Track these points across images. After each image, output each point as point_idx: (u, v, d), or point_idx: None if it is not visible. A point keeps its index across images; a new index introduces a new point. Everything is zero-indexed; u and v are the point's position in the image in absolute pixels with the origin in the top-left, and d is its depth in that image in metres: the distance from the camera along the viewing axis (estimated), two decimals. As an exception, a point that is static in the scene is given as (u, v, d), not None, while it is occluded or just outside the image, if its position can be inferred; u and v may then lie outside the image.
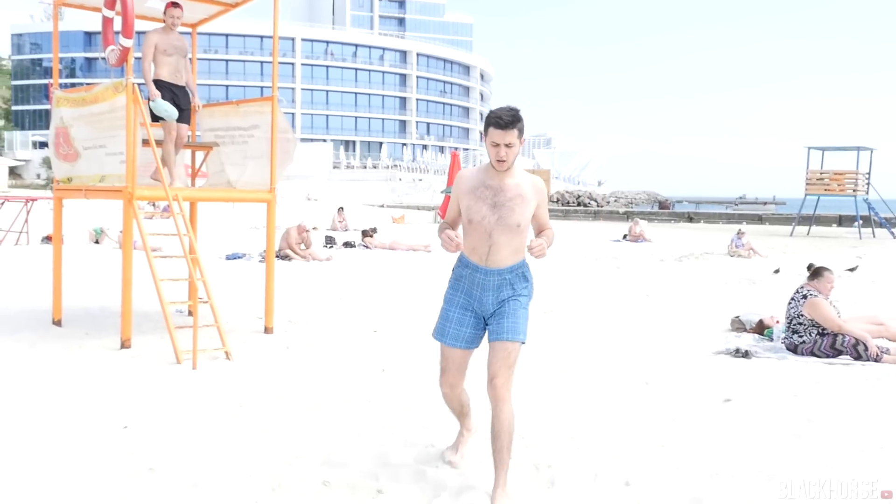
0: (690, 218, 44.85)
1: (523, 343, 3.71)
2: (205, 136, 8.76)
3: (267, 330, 7.91)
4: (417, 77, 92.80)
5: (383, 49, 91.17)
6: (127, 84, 6.88)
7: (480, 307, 3.80)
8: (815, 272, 7.25)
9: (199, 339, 6.58)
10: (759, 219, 43.14)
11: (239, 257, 15.01)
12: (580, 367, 6.58)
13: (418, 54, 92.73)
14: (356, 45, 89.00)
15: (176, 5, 7.58)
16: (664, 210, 54.92)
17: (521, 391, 5.67)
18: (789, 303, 7.27)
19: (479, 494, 3.73)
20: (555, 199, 63.62)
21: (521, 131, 3.60)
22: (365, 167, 71.83)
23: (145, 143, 7.13)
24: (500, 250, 3.70)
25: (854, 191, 30.05)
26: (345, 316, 9.09)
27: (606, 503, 3.67)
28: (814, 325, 7.02)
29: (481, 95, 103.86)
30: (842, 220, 38.69)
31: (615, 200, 76.94)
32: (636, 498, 3.73)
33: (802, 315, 7.07)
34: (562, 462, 4.22)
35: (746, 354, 7.01)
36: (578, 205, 61.70)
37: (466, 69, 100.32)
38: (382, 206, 48.31)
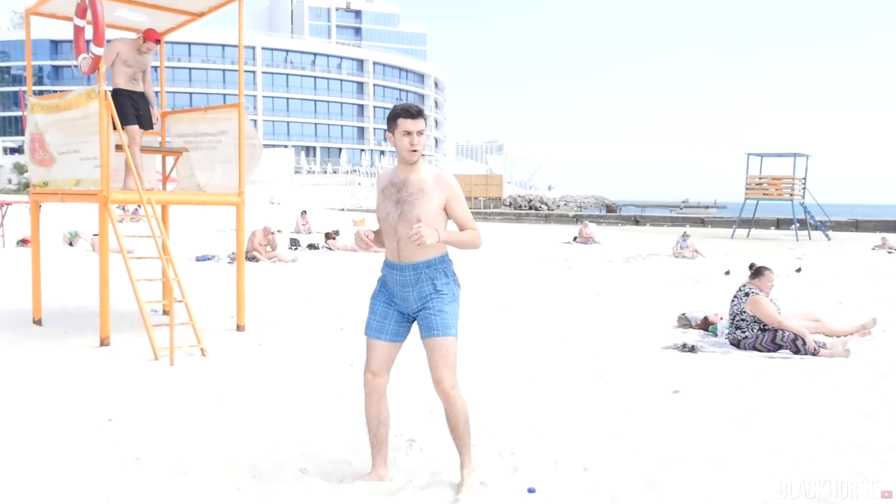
0: (637, 221, 45.90)
1: (456, 336, 3.77)
2: (174, 141, 8.95)
3: (239, 328, 8.15)
4: (374, 85, 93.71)
5: (341, 58, 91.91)
6: (99, 91, 7.07)
7: (404, 305, 3.82)
8: (757, 271, 7.72)
9: (175, 336, 6.81)
10: (702, 222, 44.27)
11: (208, 259, 15.18)
12: (537, 361, 6.94)
13: (374, 63, 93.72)
14: (315, 54, 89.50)
15: (157, 42, 7.96)
16: (611, 213, 56.03)
17: (482, 383, 6.02)
18: (732, 300, 7.73)
19: (448, 478, 4.02)
20: (507, 203, 64.37)
21: (426, 122, 3.75)
22: (325, 172, 72.08)
23: (118, 147, 7.32)
24: (408, 245, 3.70)
25: (791, 195, 31.05)
26: (312, 314, 9.35)
27: (566, 487, 3.99)
28: (755, 322, 7.48)
29: (436, 103, 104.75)
30: (779, 224, 39.90)
31: (565, 204, 77.96)
32: (594, 482, 4.05)
33: (745, 312, 7.53)
34: (524, 449, 4.54)
35: (693, 349, 7.44)
36: (530, 208, 62.45)
37: (421, 77, 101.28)
38: (343, 209, 48.48)
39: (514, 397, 5.72)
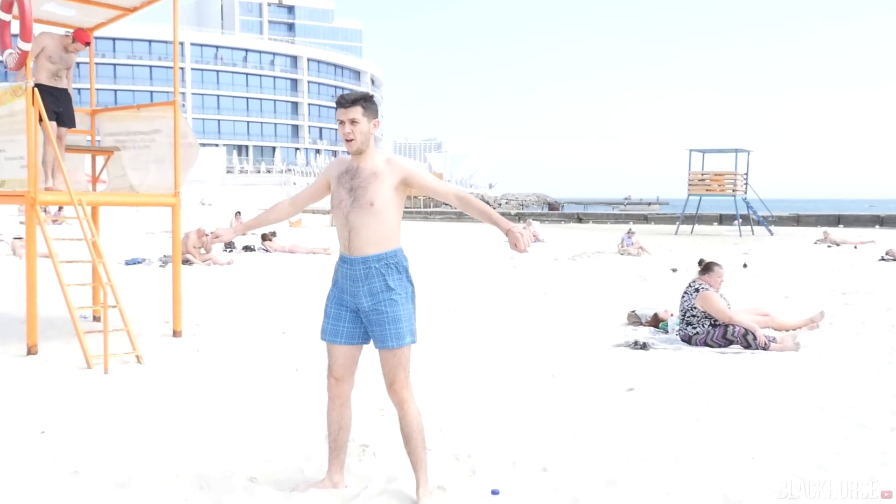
0: (580, 219, 46.28)
1: (412, 342, 3.64)
2: (105, 140, 8.59)
3: (175, 333, 7.83)
4: (309, 82, 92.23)
5: (273, 54, 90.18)
6: (27, 88, 6.72)
7: (354, 300, 3.64)
8: (706, 267, 7.73)
9: (108, 343, 6.47)
10: (645, 218, 44.92)
11: (139, 262, 14.65)
12: (489, 362, 6.80)
13: (309, 59, 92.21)
14: (246, 50, 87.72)
15: (87, 44, 7.65)
16: (554, 211, 56.49)
17: (434, 385, 5.87)
18: (682, 296, 7.72)
19: (403, 485, 3.86)
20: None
21: (367, 110, 3.57)
22: (259, 172, 70.81)
23: (70, 149, 6.99)
24: (360, 235, 3.57)
25: (733, 191, 31.70)
26: (252, 319, 9.06)
27: (527, 489, 3.86)
28: (706, 317, 7.48)
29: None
30: (722, 219, 40.74)
31: (507, 202, 78.41)
32: (554, 483, 3.94)
33: (695, 308, 7.52)
34: (480, 452, 4.39)
35: (644, 346, 7.40)
36: (472, 207, 62.49)
37: (357, 74, 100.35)
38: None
39: (467, 399, 5.57)
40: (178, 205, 7.83)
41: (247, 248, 18.31)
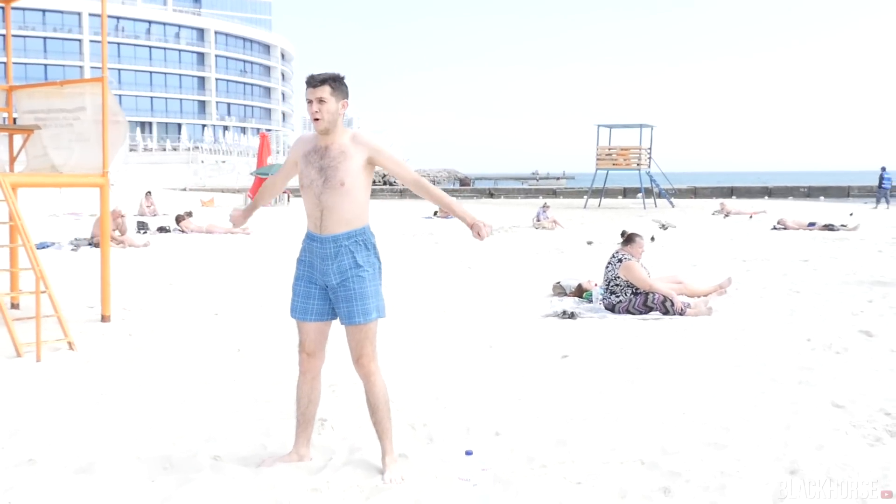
0: (491, 194, 46.94)
1: (378, 317, 3.74)
2: (23, 118, 8.30)
3: (104, 318, 7.70)
4: (216, 56, 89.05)
5: (179, 26, 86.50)
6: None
7: (323, 278, 3.72)
8: (629, 238, 8.12)
9: (32, 331, 6.36)
10: (554, 193, 45.91)
11: (48, 246, 14.16)
12: (428, 335, 7.01)
13: (216, 32, 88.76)
14: (149, 22, 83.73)
15: None
16: (465, 187, 56.94)
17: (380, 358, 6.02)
18: (606, 267, 8.10)
19: (367, 455, 4.02)
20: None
21: (335, 90, 3.61)
22: (164, 149, 68.36)
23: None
24: (332, 214, 3.63)
25: (638, 165, 32.75)
26: (180, 301, 8.98)
27: (484, 452, 4.06)
28: (629, 286, 7.88)
29: (283, 75, 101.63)
30: (626, 192, 42.10)
31: (419, 178, 78.31)
32: (509, 445, 4.17)
33: (619, 277, 7.91)
34: (434, 420, 4.60)
35: (572, 315, 7.75)
36: (384, 184, 62.40)
37: (267, 48, 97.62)
38: (185, 189, 46.51)
39: (412, 371, 5.76)
40: (107, 185, 7.69)
41: (162, 230, 17.91)
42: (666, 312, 7.76)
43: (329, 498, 3.54)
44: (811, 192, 42.59)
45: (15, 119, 8.48)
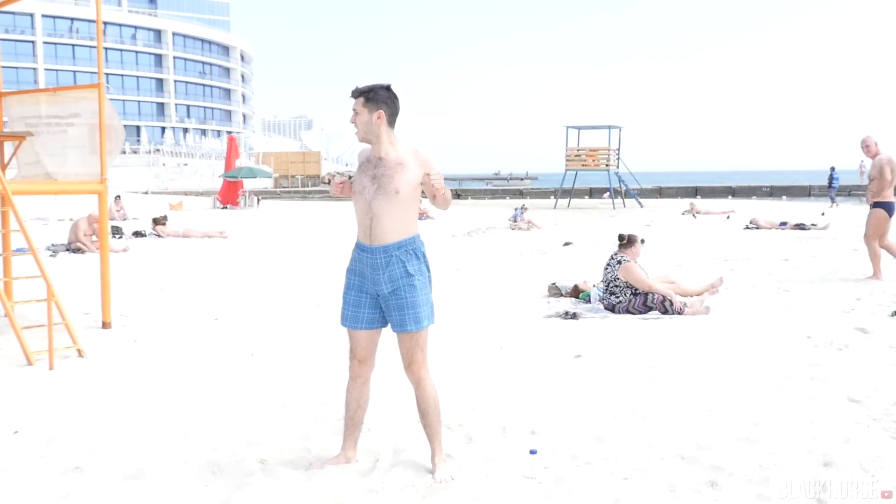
0: (458, 195, 47.02)
1: (429, 325, 3.82)
2: (13, 125, 8.19)
3: (105, 325, 7.63)
4: (174, 58, 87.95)
5: (135, 27, 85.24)
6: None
7: (374, 287, 3.77)
8: (629, 241, 8.26)
9: (38, 339, 6.35)
10: (521, 193, 46.25)
11: (25, 250, 13.86)
12: (435, 337, 7.00)
13: (174, 34, 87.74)
14: (105, 23, 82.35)
15: None
16: (431, 188, 56.88)
17: (393, 360, 6.05)
18: (606, 268, 8.24)
19: (412, 456, 4.07)
20: (327, 181, 63.75)
21: (369, 101, 3.68)
22: (124, 152, 67.35)
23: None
24: (382, 222, 3.69)
25: (607, 165, 33.16)
26: (176, 306, 8.92)
27: (524, 450, 4.14)
28: (628, 287, 8.02)
29: (242, 77, 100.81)
30: (592, 193, 42.57)
31: (383, 180, 78.17)
32: (550, 443, 4.26)
33: (618, 278, 8.05)
34: (468, 421, 4.67)
35: (574, 316, 7.87)
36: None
37: (226, 49, 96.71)
38: (147, 192, 45.90)
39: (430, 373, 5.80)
40: (105, 192, 7.62)
41: (137, 234, 17.71)
42: (665, 312, 7.92)
43: (386, 499, 3.59)
44: (774, 192, 43.49)
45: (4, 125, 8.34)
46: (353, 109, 3.74)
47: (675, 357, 6.21)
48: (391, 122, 3.74)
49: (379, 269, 3.75)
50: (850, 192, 37.66)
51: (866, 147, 10.24)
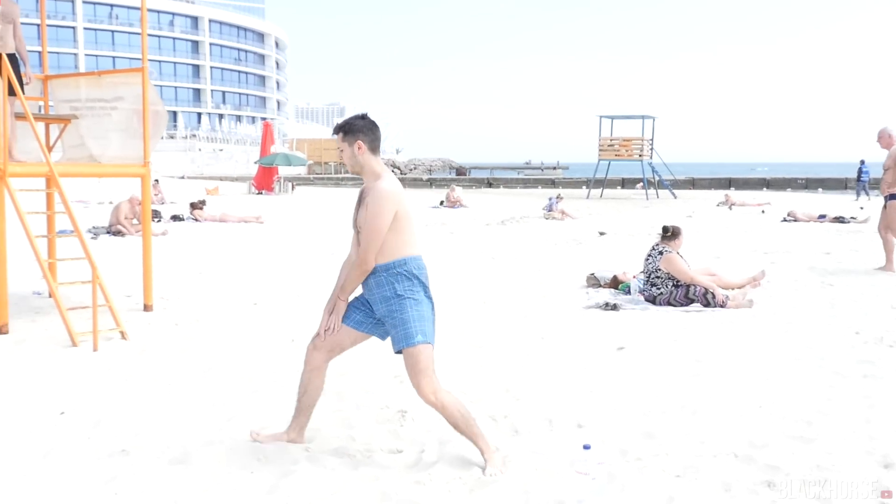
0: (490, 184, 46.85)
1: (424, 342, 3.72)
2: (59, 108, 8.24)
3: (146, 308, 7.68)
4: (211, 44, 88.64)
5: (173, 14, 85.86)
6: (-7, 54, 6.41)
7: (374, 306, 3.86)
8: (673, 233, 8.11)
9: (80, 320, 6.39)
10: (553, 183, 45.90)
11: (69, 233, 14.05)
12: (475, 327, 7.00)
13: (210, 20, 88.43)
14: (141, 11, 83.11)
15: None
16: (462, 176, 56.88)
17: (436, 353, 6.00)
18: (647, 259, 8.11)
19: (457, 447, 4.00)
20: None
21: (346, 135, 3.76)
22: (161, 137, 68.14)
23: (18, 117, 6.67)
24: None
25: (640, 155, 32.79)
26: (215, 290, 8.96)
27: (572, 444, 4.09)
28: (670, 278, 7.89)
29: (277, 64, 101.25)
30: (624, 183, 42.13)
31: (414, 168, 78.36)
32: (598, 437, 4.19)
33: (660, 269, 7.92)
34: (513, 412, 4.61)
35: (615, 307, 7.76)
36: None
37: (261, 36, 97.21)
38: (183, 177, 46.29)
39: (473, 362, 5.77)
40: (148, 175, 7.66)
41: (175, 218, 17.84)
42: (707, 305, 7.78)
43: (433, 491, 3.54)
44: (809, 184, 42.68)
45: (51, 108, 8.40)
46: (338, 147, 3.83)
47: (721, 351, 6.10)
48: (373, 148, 3.78)
49: (372, 290, 3.82)
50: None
51: (882, 138, 10.19)
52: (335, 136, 3.83)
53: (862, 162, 31.01)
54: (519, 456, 3.93)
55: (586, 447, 3.37)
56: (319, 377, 4.01)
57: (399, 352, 3.77)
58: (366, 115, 3.84)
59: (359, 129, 3.75)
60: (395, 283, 3.73)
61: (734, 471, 3.75)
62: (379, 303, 3.78)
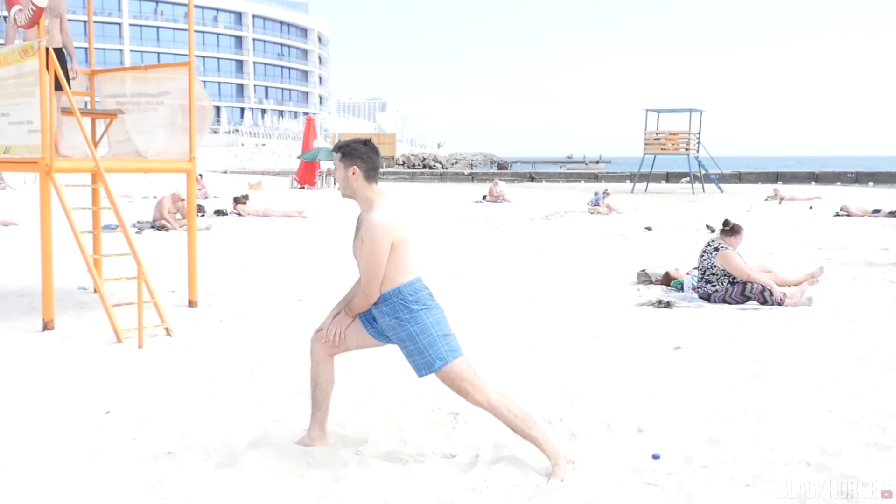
0: (532, 178, 46.45)
1: (444, 364, 3.62)
2: (105, 102, 8.23)
3: (191, 304, 7.64)
4: (254, 39, 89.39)
5: (217, 10, 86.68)
6: (40, 48, 6.38)
7: (383, 330, 3.80)
8: (732, 229, 7.84)
9: (125, 316, 6.36)
10: (596, 177, 45.37)
11: (112, 228, 14.16)
12: (525, 324, 6.82)
13: (254, 16, 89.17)
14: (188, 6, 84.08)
15: None
16: (503, 170, 56.55)
17: (488, 349, 5.86)
18: (701, 255, 7.85)
19: (514, 450, 3.85)
20: (401, 163, 64.16)
21: (344, 157, 3.67)
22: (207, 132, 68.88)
23: (65, 111, 6.65)
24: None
25: (686, 149, 32.21)
26: (259, 286, 8.90)
27: (632, 449, 3.91)
28: (725, 275, 7.63)
29: (319, 59, 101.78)
30: (669, 177, 41.45)
31: (455, 162, 78.24)
32: (659, 442, 3.99)
33: (715, 266, 7.66)
34: (569, 415, 4.43)
35: (668, 305, 7.53)
36: (424, 167, 62.34)
37: (304, 32, 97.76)
38: (226, 171, 46.65)
39: (524, 361, 5.60)
40: (194, 170, 7.61)
41: (218, 213, 17.91)
42: (764, 302, 7.51)
43: (490, 498, 3.39)
44: (859, 178, 41.54)
45: (98, 103, 8.39)
46: (334, 164, 3.76)
47: (782, 351, 5.84)
48: (368, 177, 3.69)
49: (378, 321, 3.77)
50: None
51: None
52: (334, 155, 3.76)
53: None
54: (578, 461, 3.75)
55: (655, 457, 3.18)
56: (327, 370, 3.96)
57: (426, 376, 3.73)
58: (369, 140, 3.77)
59: (358, 154, 3.68)
60: (395, 312, 3.66)
61: (808, 480, 3.53)
62: (388, 331, 3.74)
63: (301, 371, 5.36)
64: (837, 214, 18.87)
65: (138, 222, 15.09)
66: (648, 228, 15.85)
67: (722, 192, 31.65)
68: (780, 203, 24.28)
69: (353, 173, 3.66)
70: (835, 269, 9.82)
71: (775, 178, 42.30)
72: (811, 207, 22.32)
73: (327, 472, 3.64)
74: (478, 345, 5.92)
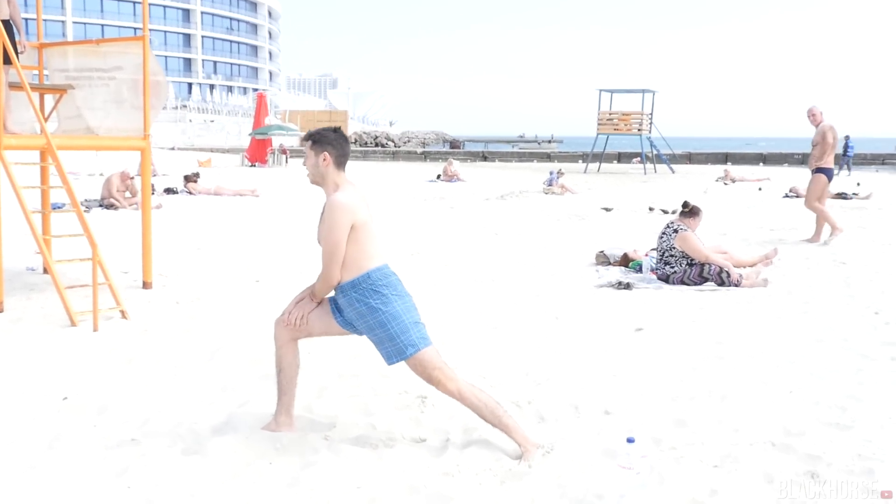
0: (485, 157, 46.48)
1: (416, 352, 3.61)
2: (54, 77, 7.95)
3: (145, 285, 7.46)
4: (202, 13, 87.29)
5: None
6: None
7: (350, 321, 3.76)
8: (692, 211, 7.92)
9: (78, 298, 6.20)
10: (549, 157, 45.62)
11: (59, 207, 13.74)
12: (487, 306, 6.82)
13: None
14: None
15: None
16: (456, 149, 56.49)
17: (450, 331, 5.84)
18: (660, 237, 7.93)
19: (484, 434, 3.84)
20: (353, 141, 63.44)
21: (315, 145, 3.69)
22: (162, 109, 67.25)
23: (13, 86, 6.40)
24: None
25: (639, 130, 32.52)
26: (214, 266, 8.74)
27: (601, 432, 3.93)
28: (684, 257, 7.72)
29: (270, 34, 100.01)
30: (621, 157, 41.88)
31: (408, 141, 77.89)
32: (627, 424, 4.03)
33: (674, 248, 7.75)
34: (536, 398, 4.43)
35: (628, 286, 7.59)
36: (377, 145, 61.96)
37: (254, 6, 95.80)
38: (173, 148, 45.73)
39: (487, 344, 5.59)
40: (149, 148, 7.40)
41: (168, 191, 17.54)
42: (721, 283, 7.62)
43: (463, 483, 3.37)
44: (805, 160, 42.36)
45: (46, 77, 8.11)
46: (305, 154, 3.75)
47: (741, 332, 5.94)
48: (338, 163, 3.71)
49: (346, 310, 3.71)
50: (883, 160, 36.98)
51: (812, 116, 10.82)
52: (305, 143, 3.78)
53: (847, 137, 31.09)
54: (548, 447, 3.75)
55: (630, 440, 3.19)
56: (291, 353, 3.91)
57: (395, 364, 3.70)
58: (338, 129, 3.81)
59: (329, 141, 3.71)
60: (366, 298, 3.62)
61: (774, 461, 3.59)
62: (356, 320, 3.69)
63: (263, 354, 5.29)
64: (787, 196, 19.26)
65: (86, 200, 14.68)
66: (607, 209, 15.96)
67: (673, 172, 32.07)
68: (726, 184, 24.65)
69: (324, 160, 3.67)
70: (788, 250, 10.02)
71: (725, 158, 43.05)
72: (760, 189, 22.72)
73: (297, 457, 3.59)
74: (440, 327, 5.89)
